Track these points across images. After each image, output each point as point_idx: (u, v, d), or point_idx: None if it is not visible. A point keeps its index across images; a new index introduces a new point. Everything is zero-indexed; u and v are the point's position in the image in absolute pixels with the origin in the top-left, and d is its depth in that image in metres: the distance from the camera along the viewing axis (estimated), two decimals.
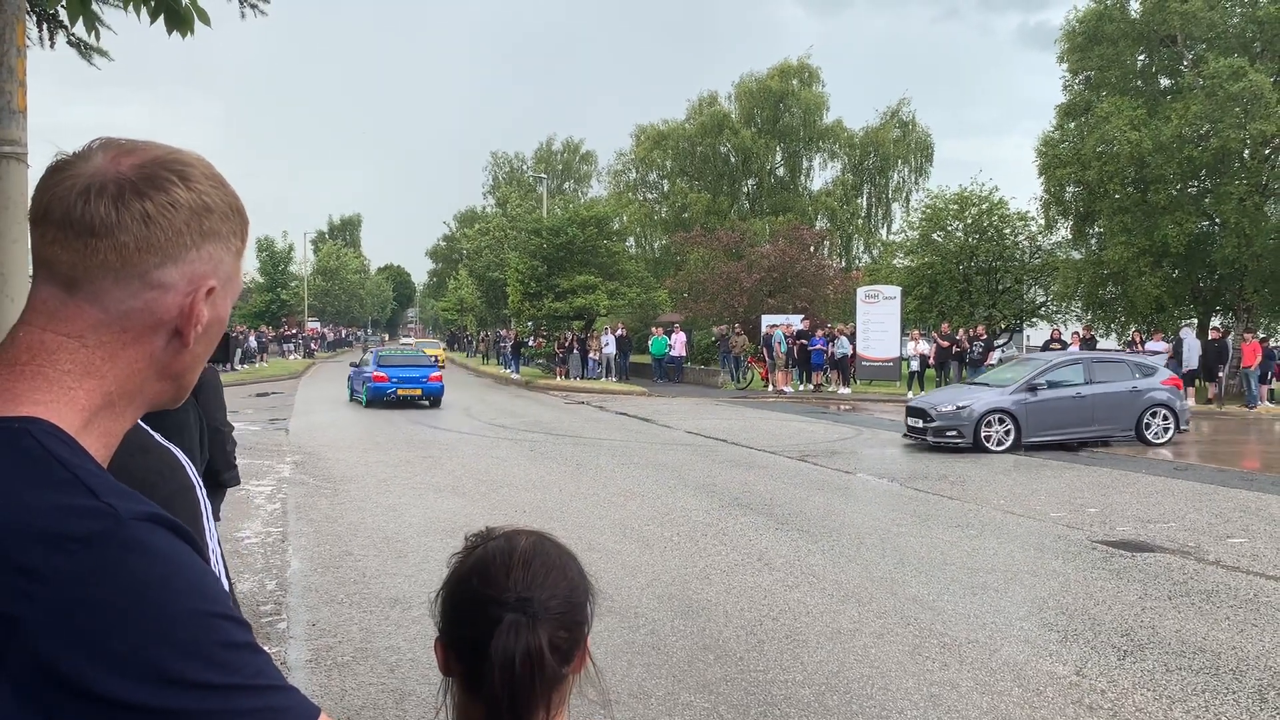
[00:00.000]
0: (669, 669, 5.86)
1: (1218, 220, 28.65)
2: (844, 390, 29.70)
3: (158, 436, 1.59)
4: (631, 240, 53.81)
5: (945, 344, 28.31)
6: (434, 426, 20.44)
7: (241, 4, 5.29)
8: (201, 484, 1.75)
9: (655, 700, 5.38)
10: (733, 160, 54.24)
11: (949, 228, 35.24)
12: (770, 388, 30.41)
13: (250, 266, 66.69)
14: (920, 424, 16.71)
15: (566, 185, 78.77)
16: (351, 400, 27.40)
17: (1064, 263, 32.75)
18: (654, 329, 37.42)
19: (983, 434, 16.20)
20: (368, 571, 8.22)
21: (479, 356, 60.20)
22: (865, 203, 56.30)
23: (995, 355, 28.04)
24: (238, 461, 5.68)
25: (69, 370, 0.96)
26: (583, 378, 35.39)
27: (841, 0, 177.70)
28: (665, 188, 56.50)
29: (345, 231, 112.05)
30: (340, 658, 6.07)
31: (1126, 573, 8.28)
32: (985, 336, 29.01)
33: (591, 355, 36.48)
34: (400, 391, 25.42)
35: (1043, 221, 34.12)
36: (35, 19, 5.38)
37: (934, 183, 58.61)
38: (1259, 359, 24.35)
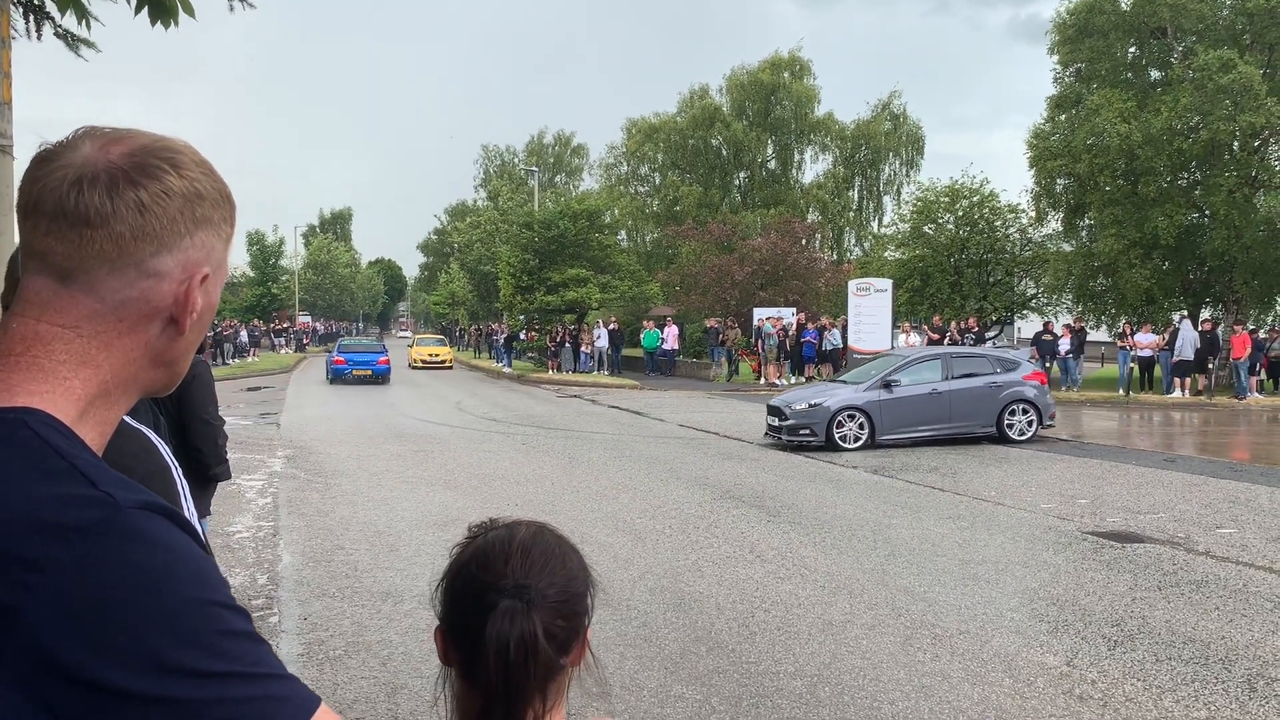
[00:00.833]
0: (661, 661, 5.87)
1: (1207, 212, 28.71)
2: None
3: (130, 420, 1.59)
4: (623, 233, 53.68)
5: (936, 336, 28.35)
6: (426, 420, 20.42)
7: None
8: (177, 465, 1.76)
9: (648, 692, 5.39)
10: (724, 153, 54.18)
11: (940, 220, 35.24)
12: (762, 380, 30.44)
13: (241, 260, 66.60)
14: (777, 422, 16.30)
15: (558, 178, 78.63)
16: (326, 380, 32.71)
17: (1055, 255, 32.79)
18: (646, 322, 37.43)
19: (836, 432, 15.84)
20: (359, 565, 8.21)
21: (471, 350, 60.13)
22: (856, 196, 56.27)
23: (987, 347, 28.04)
24: (229, 455, 5.66)
25: (64, 360, 0.96)
26: (575, 371, 35.39)
27: None
28: (657, 181, 56.41)
29: (336, 225, 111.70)
30: (332, 651, 6.07)
31: (1117, 563, 8.31)
32: (976, 329, 29.06)
33: (583, 349, 36.48)
34: (355, 372, 32.23)
35: (1033, 214, 34.13)
36: (22, 10, 5.35)
37: (925, 176, 58.64)
38: (1248, 350, 24.46)
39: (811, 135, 55.17)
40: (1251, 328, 27.34)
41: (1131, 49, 31.64)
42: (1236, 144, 28.24)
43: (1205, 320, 27.73)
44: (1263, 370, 25.55)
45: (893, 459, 14.85)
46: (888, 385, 16.35)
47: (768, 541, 9.10)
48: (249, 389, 29.57)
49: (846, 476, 13.26)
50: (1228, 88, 26.10)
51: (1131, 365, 26.25)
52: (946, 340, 27.68)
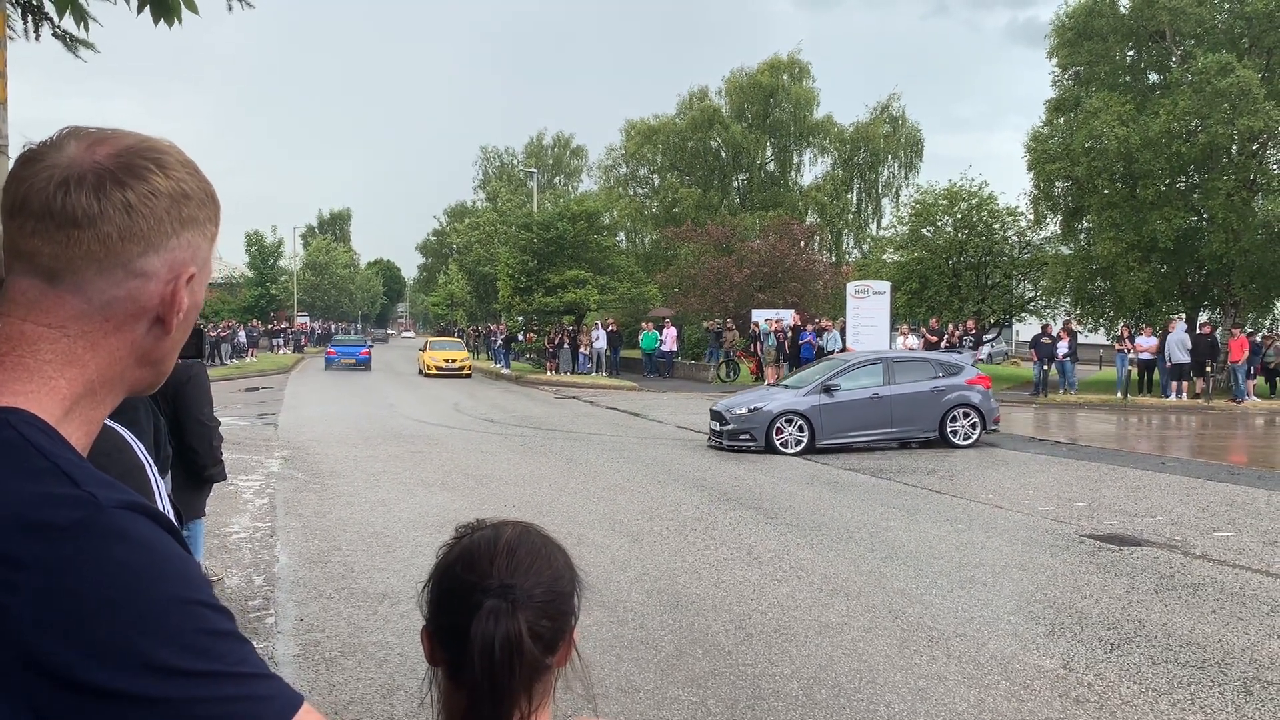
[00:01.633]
0: (657, 663, 5.87)
1: (1206, 215, 28.74)
2: None
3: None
4: (622, 235, 53.71)
5: (934, 339, 28.37)
6: (423, 421, 20.41)
7: None
8: (151, 463, 1.76)
9: (644, 694, 5.39)
10: (723, 155, 54.22)
11: (938, 223, 35.29)
12: (765, 383, 30.43)
13: (240, 261, 66.56)
14: (718, 427, 16.23)
15: (557, 180, 78.61)
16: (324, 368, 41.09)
17: (1053, 258, 32.82)
18: (644, 324, 37.44)
19: (775, 437, 15.72)
20: (356, 566, 8.21)
21: (469, 351, 60.07)
22: (855, 198, 56.30)
23: (984, 350, 28.09)
24: (225, 457, 5.66)
25: (50, 360, 0.96)
26: (573, 372, 35.38)
27: None
28: (656, 183, 56.43)
29: (335, 226, 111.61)
30: (328, 653, 6.06)
31: (1113, 566, 8.32)
32: (975, 331, 29.07)
33: (582, 350, 36.48)
34: (343, 360, 41.75)
35: (1032, 217, 34.17)
36: (20, 10, 5.35)
37: (924, 178, 58.76)
38: (1246, 354, 24.49)
39: (810, 137, 55.21)
40: (1249, 331, 27.38)
41: (1130, 52, 31.69)
42: (1235, 147, 28.29)
43: (1204, 324, 27.75)
44: (1256, 373, 25.59)
45: (890, 461, 14.85)
46: (828, 390, 16.26)
47: (765, 543, 9.10)
48: (247, 389, 29.55)
49: (844, 479, 13.26)
50: (1226, 91, 26.13)
51: (1130, 368, 26.27)
52: (944, 343, 27.70)
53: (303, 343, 59.51)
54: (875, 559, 8.54)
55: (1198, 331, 26.44)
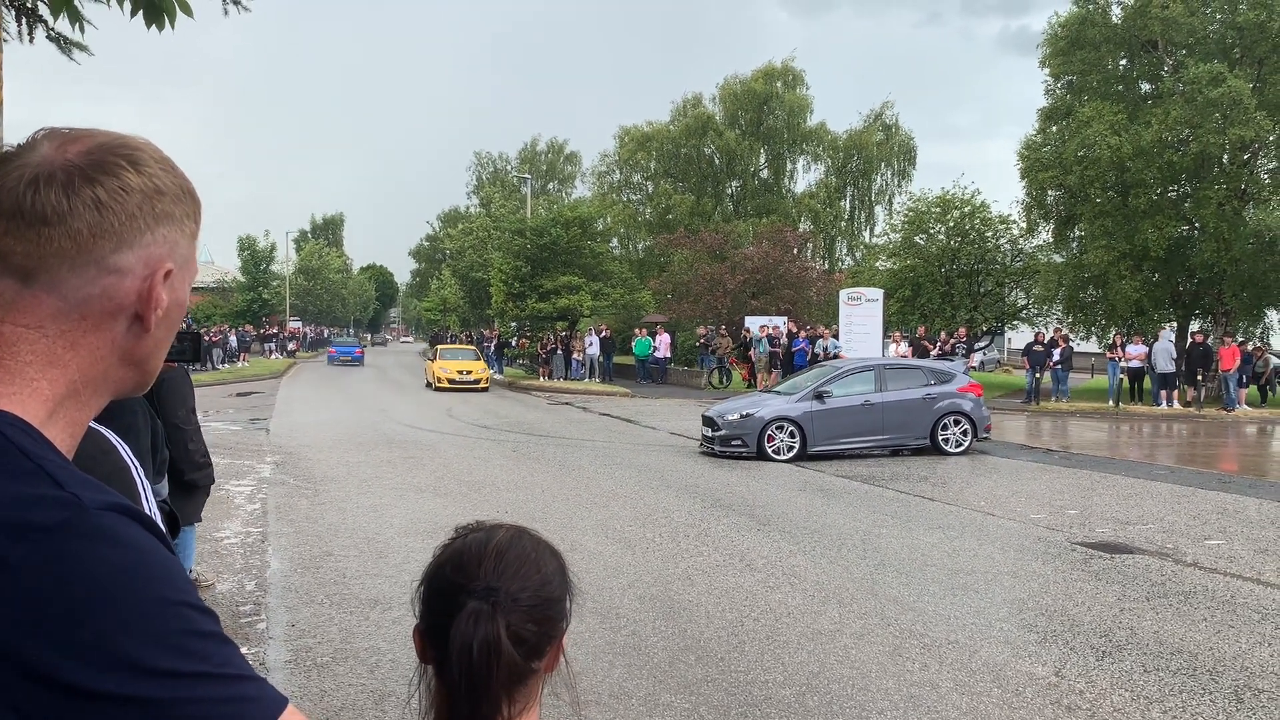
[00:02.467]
0: (650, 669, 5.86)
1: (1197, 225, 28.86)
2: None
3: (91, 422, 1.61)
4: (615, 241, 53.76)
5: (928, 345, 28.42)
6: (416, 427, 20.37)
7: (224, 0, 5.26)
8: (137, 465, 1.76)
9: (636, 701, 5.38)
10: (717, 162, 54.31)
11: (931, 231, 35.37)
12: (763, 389, 30.41)
13: (232, 266, 66.42)
14: (710, 433, 16.29)
15: (550, 186, 78.66)
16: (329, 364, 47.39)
17: (1045, 266, 32.92)
18: (638, 330, 37.42)
19: (767, 444, 15.82)
20: (348, 572, 8.18)
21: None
22: (848, 205, 56.47)
23: (977, 357, 28.12)
24: (216, 461, 5.63)
25: (30, 361, 0.95)
26: (566, 378, 35.36)
27: (825, 4, 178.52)
28: (649, 189, 56.49)
29: (328, 231, 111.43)
30: (320, 658, 6.04)
31: (1105, 574, 8.33)
32: (966, 339, 29.12)
33: (575, 356, 36.44)
34: (342, 358, 49.83)
35: (1024, 225, 34.28)
36: (14, 13, 5.34)
37: (917, 186, 58.84)
38: (1237, 363, 24.58)
39: (804, 145, 55.35)
40: (1241, 340, 27.48)
41: (1122, 62, 31.82)
42: (1226, 157, 28.42)
43: (1195, 332, 27.86)
44: (1247, 381, 25.68)
45: (883, 468, 14.86)
46: (820, 396, 16.34)
47: (758, 550, 9.10)
48: (238, 394, 29.47)
49: (836, 486, 13.27)
50: (1217, 101, 26.26)
51: (1121, 376, 26.34)
52: (936, 351, 27.75)
53: (292, 348, 59.23)
54: (867, 566, 8.54)
55: (1190, 340, 26.53)
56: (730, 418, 16.16)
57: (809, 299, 37.35)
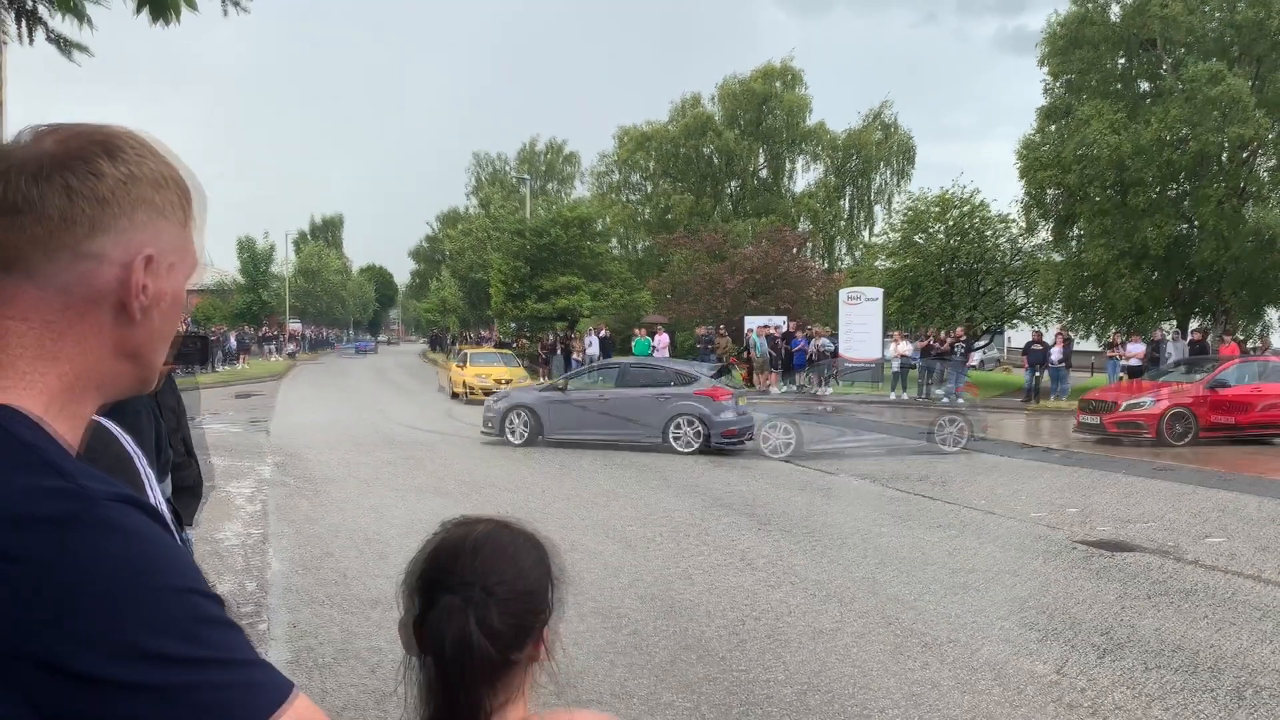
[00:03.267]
0: (651, 669, 5.86)
1: (1196, 223, 28.87)
2: (827, 390, 29.76)
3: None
4: (615, 241, 53.74)
5: (926, 344, 28.47)
6: (416, 427, 20.38)
7: (224, 1, 5.26)
8: (141, 455, 1.76)
9: (637, 700, 5.38)
10: (716, 162, 54.27)
11: (930, 230, 35.38)
12: (771, 389, 30.39)
13: (231, 267, 66.40)
14: (482, 417, 17.99)
15: (550, 186, 78.59)
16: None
17: (1044, 265, 32.92)
18: (637, 330, 37.40)
19: (507, 429, 17.18)
20: (349, 572, 8.18)
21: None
22: (847, 205, 56.46)
23: (976, 356, 28.13)
24: (216, 463, 5.63)
25: (21, 354, 0.96)
26: None
27: (823, 4, 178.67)
28: (648, 189, 56.48)
29: (327, 232, 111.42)
30: (321, 659, 6.04)
31: (1106, 572, 8.34)
32: (965, 338, 29.12)
33: (574, 356, 36.42)
34: (357, 350, 64.50)
35: (1023, 224, 34.29)
36: (14, 15, 5.34)
37: (915, 185, 58.82)
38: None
39: (803, 144, 55.33)
40: (1240, 338, 27.48)
41: (1121, 60, 31.83)
42: (1225, 155, 28.44)
43: (1195, 331, 27.87)
44: None
45: (883, 467, 14.87)
46: (562, 389, 17.68)
47: (758, 549, 9.10)
48: (238, 395, 29.47)
49: (836, 485, 13.27)
50: (1216, 99, 26.27)
51: (1121, 375, 26.33)
52: (933, 348, 27.77)
53: (292, 350, 59.15)
54: (868, 565, 8.55)
55: (1189, 339, 26.53)
56: (493, 404, 17.84)
57: (808, 299, 37.33)
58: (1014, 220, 34.59)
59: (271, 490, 12.26)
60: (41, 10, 5.54)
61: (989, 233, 34.81)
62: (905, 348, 29.00)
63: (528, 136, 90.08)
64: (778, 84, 53.95)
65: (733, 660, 6.03)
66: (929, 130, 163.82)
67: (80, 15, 4.48)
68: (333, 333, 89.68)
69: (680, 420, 16.68)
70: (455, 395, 29.38)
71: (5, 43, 4.98)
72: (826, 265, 51.07)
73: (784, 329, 31.74)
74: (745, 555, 8.86)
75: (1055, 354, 26.92)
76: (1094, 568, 8.51)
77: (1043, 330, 30.17)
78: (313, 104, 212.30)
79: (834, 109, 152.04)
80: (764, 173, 56.08)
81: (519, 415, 17.31)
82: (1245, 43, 28.68)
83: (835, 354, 30.59)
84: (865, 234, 54.87)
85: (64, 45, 5.69)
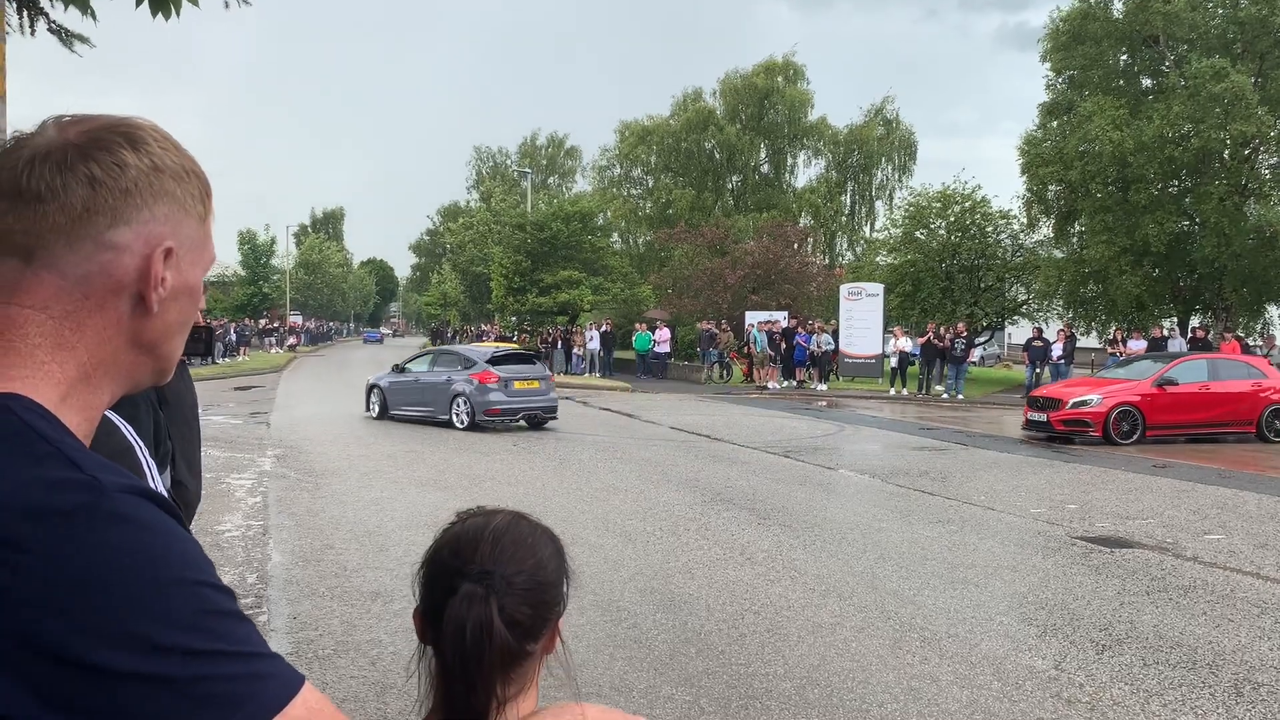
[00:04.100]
0: (650, 662, 5.87)
1: (1198, 220, 28.86)
2: (821, 386, 29.78)
3: None
4: (616, 236, 53.77)
5: (936, 341, 28.45)
6: (415, 421, 20.36)
7: None
8: (142, 446, 1.76)
9: (637, 693, 5.39)
10: (717, 157, 54.23)
11: (932, 226, 35.35)
12: (769, 385, 30.43)
13: (232, 260, 66.40)
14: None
15: (551, 180, 78.62)
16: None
17: (1046, 261, 32.91)
18: (638, 325, 37.45)
19: (370, 404, 20.46)
20: (349, 565, 8.20)
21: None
22: (849, 200, 56.41)
23: (977, 353, 28.12)
24: (217, 455, 5.64)
25: (39, 344, 0.96)
26: (566, 373, 35.37)
27: None
28: (650, 183, 56.43)
29: (328, 225, 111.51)
30: (321, 651, 6.06)
31: (1105, 568, 8.34)
32: (966, 334, 29.13)
33: (575, 350, 36.48)
34: (365, 341, 73.46)
35: (1025, 220, 34.28)
36: (15, 5, 5.33)
37: (917, 181, 58.75)
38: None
39: (804, 140, 55.27)
40: (1241, 335, 27.47)
41: (1124, 57, 31.81)
42: (1227, 152, 28.43)
43: (1196, 327, 27.86)
44: None
45: (883, 463, 14.87)
46: (401, 370, 20.50)
47: (758, 544, 9.11)
48: (237, 388, 29.48)
49: (836, 480, 13.28)
50: (1219, 96, 26.24)
51: None
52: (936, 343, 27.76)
53: (293, 343, 59.13)
54: (868, 560, 8.56)
55: (1190, 336, 26.52)
56: (365, 384, 21.02)
57: (809, 294, 37.34)
58: (1015, 216, 34.59)
59: (272, 483, 12.27)
60: (43, 1, 5.53)
61: (990, 229, 34.78)
62: (905, 343, 29.00)
63: (529, 130, 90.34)
64: (779, 79, 53.88)
65: (732, 654, 6.04)
66: (930, 126, 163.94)
67: (84, 6, 4.48)
68: (332, 326, 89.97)
69: (458, 400, 18.78)
70: None
71: (8, 33, 4.98)
72: (827, 261, 51.05)
73: (784, 325, 31.76)
74: (745, 550, 8.87)
75: (1056, 350, 26.90)
76: (1093, 564, 8.51)
77: (1043, 326, 30.16)
78: (314, 97, 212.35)
79: (836, 104, 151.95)
80: (765, 168, 56.04)
81: (374, 394, 20.31)
82: (1248, 39, 28.65)
83: (836, 351, 30.61)
84: (866, 229, 54.85)
85: (65, 36, 5.68)
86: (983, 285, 34.94)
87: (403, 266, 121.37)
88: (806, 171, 58.15)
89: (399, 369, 20.48)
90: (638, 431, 18.95)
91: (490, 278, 45.83)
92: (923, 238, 35.36)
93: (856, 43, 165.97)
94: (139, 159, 0.99)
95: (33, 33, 5.53)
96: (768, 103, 53.73)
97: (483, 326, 53.45)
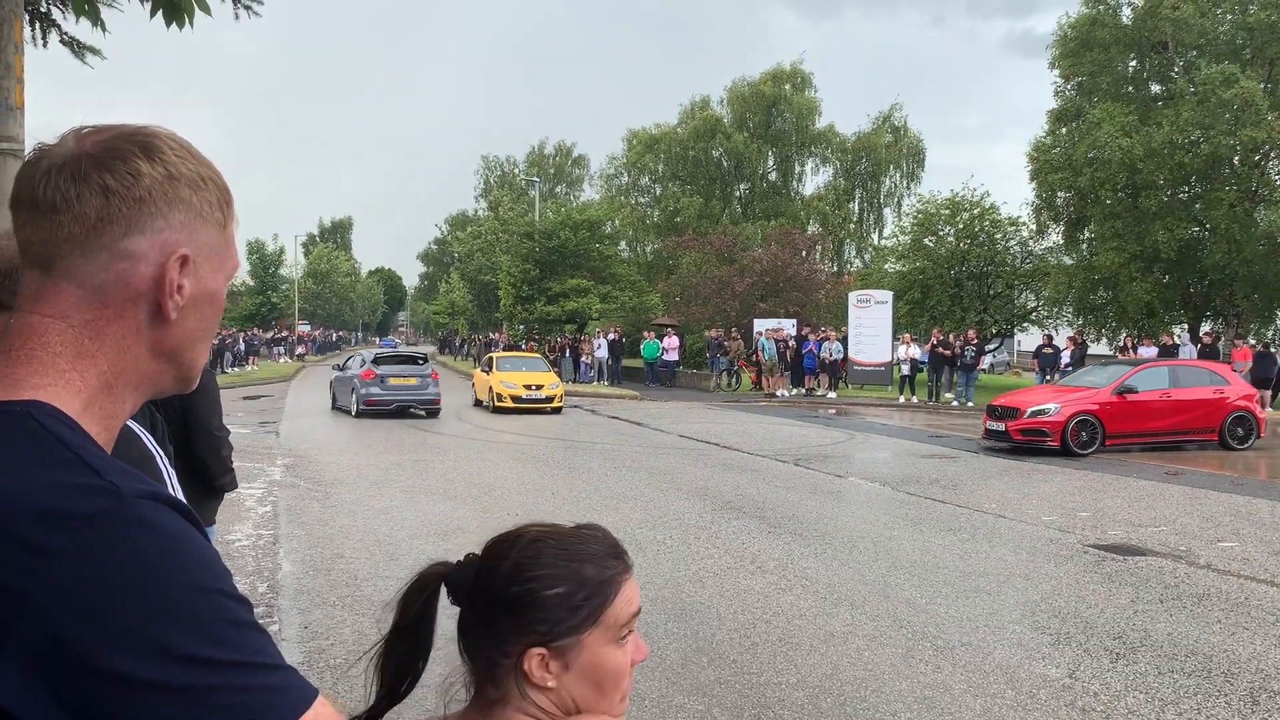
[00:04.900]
0: (662, 672, 5.85)
1: (1208, 226, 28.79)
2: (831, 394, 29.73)
3: None
4: (624, 244, 53.73)
5: (943, 351, 28.38)
6: (425, 430, 20.40)
7: (235, 4, 5.28)
8: (162, 454, 1.77)
9: (649, 703, 5.37)
10: (725, 164, 54.26)
11: (940, 233, 35.30)
12: (778, 393, 30.37)
13: (240, 269, 66.76)
14: None
15: (559, 189, 78.71)
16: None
17: (1055, 268, 32.83)
18: (646, 333, 37.43)
19: (332, 398, 25.31)
20: (359, 574, 8.20)
21: (471, 360, 60.14)
22: (857, 207, 56.33)
23: (987, 360, 28.02)
24: (234, 464, 5.65)
25: (60, 353, 0.97)
26: (575, 381, 35.36)
27: (832, 6, 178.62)
28: (657, 192, 56.47)
29: (336, 234, 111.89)
30: (333, 660, 6.05)
31: (1118, 576, 8.30)
32: (976, 341, 29.07)
33: (584, 359, 36.48)
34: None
35: (1034, 227, 34.21)
36: (29, 18, 5.37)
37: (925, 188, 58.63)
38: (1249, 364, 24.45)
39: (812, 147, 55.27)
40: (1252, 342, 27.38)
41: (1133, 63, 31.78)
42: (1237, 158, 28.35)
43: (1206, 334, 27.76)
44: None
45: (893, 470, 14.83)
46: (341, 369, 25.22)
47: (769, 552, 9.09)
48: (246, 398, 29.55)
49: (846, 488, 13.25)
50: (1229, 102, 26.19)
51: None
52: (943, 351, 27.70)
53: (301, 352, 59.28)
54: (879, 568, 8.52)
55: (1200, 343, 26.43)
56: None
57: (818, 301, 37.30)
58: (1024, 223, 34.52)
59: (282, 492, 12.29)
60: (55, 14, 5.57)
61: (999, 235, 34.71)
62: (914, 351, 28.93)
63: (537, 139, 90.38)
64: (787, 86, 53.93)
65: (744, 663, 6.01)
66: (939, 132, 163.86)
67: (95, 18, 4.50)
68: (340, 335, 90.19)
69: (354, 393, 22.80)
70: (478, 402, 26.85)
71: (24, 44, 5.01)
72: (836, 268, 50.97)
73: (792, 333, 31.71)
74: (756, 558, 8.85)
75: (1065, 357, 26.82)
76: (1106, 572, 8.47)
77: (1053, 334, 30.07)
78: (323, 107, 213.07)
79: (843, 111, 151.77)
80: (773, 175, 56.04)
81: (329, 389, 25.48)
82: (1258, 45, 28.59)
83: (845, 359, 30.54)
84: (875, 237, 54.75)
85: (77, 48, 5.72)
86: (992, 292, 34.86)
87: (411, 276, 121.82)
88: (814, 179, 58.30)
89: (338, 368, 25.47)
90: (647, 440, 18.93)
91: (498, 286, 45.86)
92: (931, 245, 35.30)
93: (864, 50, 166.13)
94: (153, 167, 0.99)
95: (45, 44, 5.57)
96: (775, 110, 53.76)
97: (491, 335, 53.47)
